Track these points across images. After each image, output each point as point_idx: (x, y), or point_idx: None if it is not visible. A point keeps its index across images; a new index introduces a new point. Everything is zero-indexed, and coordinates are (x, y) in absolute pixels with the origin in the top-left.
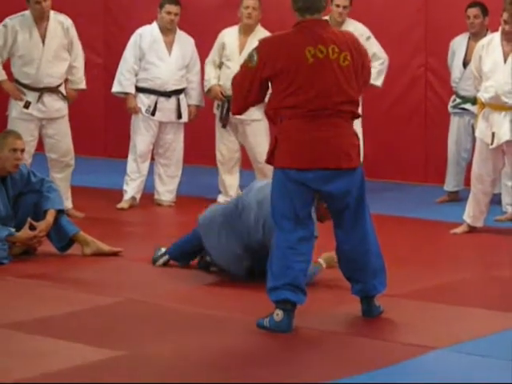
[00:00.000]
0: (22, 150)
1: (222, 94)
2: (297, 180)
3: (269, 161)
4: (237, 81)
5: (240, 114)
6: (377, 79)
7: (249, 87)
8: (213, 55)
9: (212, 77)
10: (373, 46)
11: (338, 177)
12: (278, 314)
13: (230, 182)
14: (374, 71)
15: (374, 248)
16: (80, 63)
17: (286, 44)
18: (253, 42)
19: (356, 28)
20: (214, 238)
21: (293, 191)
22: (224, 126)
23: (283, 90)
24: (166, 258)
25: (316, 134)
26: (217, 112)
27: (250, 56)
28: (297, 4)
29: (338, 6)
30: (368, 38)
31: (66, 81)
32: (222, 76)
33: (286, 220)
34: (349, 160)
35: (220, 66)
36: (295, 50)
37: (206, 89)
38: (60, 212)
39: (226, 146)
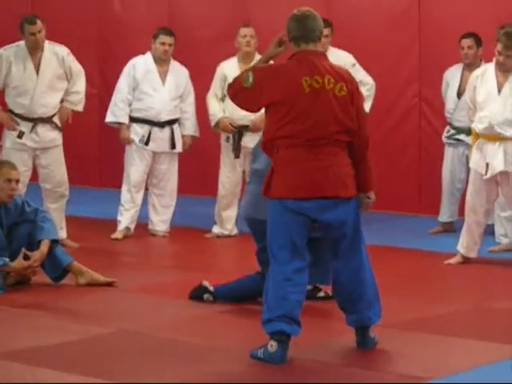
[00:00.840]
0: (17, 181)
1: (231, 125)
2: (294, 210)
3: (265, 193)
4: (231, 95)
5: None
6: (364, 105)
7: (242, 104)
8: (214, 89)
9: (217, 110)
10: (358, 73)
11: (336, 206)
12: (273, 346)
13: (229, 214)
14: None
15: (369, 279)
16: (79, 87)
17: (282, 74)
18: None
19: (338, 56)
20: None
21: (290, 221)
22: (237, 157)
23: (279, 119)
24: (211, 298)
25: (313, 164)
26: (226, 144)
27: (246, 76)
28: (291, 33)
29: None
30: (353, 65)
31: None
32: (227, 108)
33: (284, 250)
34: (346, 189)
35: (223, 98)
36: (292, 79)
37: (213, 123)
38: (54, 242)
39: (229, 179)
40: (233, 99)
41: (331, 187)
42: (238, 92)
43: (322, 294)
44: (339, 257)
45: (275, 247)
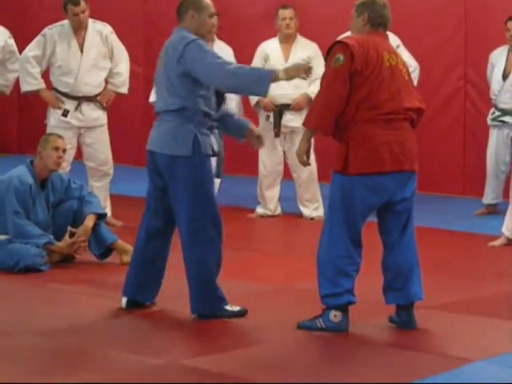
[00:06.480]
0: (64, 150)
1: (272, 103)
2: (370, 186)
3: (341, 169)
4: (324, 88)
5: (331, 130)
6: None
7: (342, 86)
8: None
9: None
10: (402, 54)
11: (410, 180)
12: (337, 316)
13: (271, 194)
14: None
15: (416, 254)
16: (122, 69)
17: (369, 45)
18: (297, 51)
19: None
20: None
21: (361, 199)
22: (277, 135)
23: (363, 88)
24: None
25: (391, 138)
26: (265, 123)
27: (336, 59)
28: (375, 19)
29: None
30: (397, 47)
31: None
32: None
33: (345, 228)
34: (416, 163)
35: None
36: (377, 51)
37: (253, 102)
38: (100, 218)
39: (270, 159)
40: (329, 92)
41: (408, 161)
42: (333, 78)
43: None
44: (396, 232)
45: (337, 223)
